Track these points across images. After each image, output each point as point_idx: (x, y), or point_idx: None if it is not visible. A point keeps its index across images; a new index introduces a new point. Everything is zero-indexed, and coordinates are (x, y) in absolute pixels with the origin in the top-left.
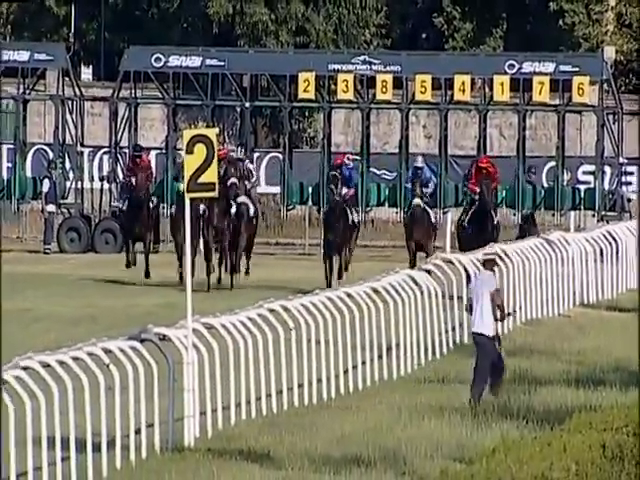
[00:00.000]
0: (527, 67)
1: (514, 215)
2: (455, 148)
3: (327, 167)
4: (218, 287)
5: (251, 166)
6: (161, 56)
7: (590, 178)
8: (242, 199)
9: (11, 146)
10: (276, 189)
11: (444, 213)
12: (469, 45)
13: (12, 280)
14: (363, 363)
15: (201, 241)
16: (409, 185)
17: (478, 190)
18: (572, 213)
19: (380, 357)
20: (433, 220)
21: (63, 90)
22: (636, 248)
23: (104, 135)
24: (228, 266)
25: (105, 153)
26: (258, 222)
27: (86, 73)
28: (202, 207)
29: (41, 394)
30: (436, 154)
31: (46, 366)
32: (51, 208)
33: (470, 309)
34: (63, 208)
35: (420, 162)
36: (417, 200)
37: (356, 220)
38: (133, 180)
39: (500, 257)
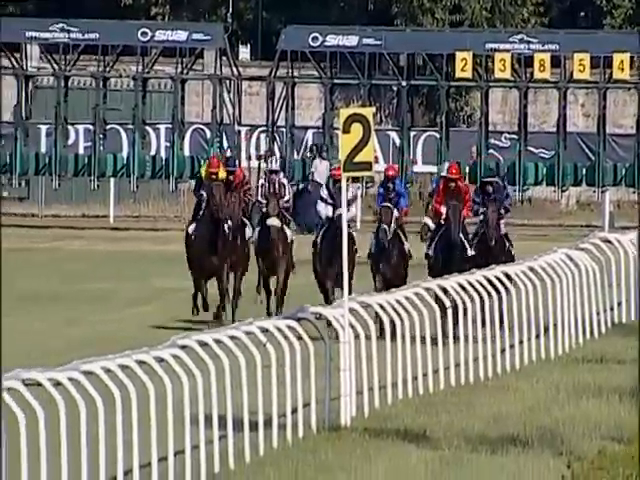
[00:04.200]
0: None
1: None
2: (614, 127)
3: (484, 146)
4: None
5: (285, 181)
6: (318, 35)
7: None
8: (272, 221)
9: (169, 126)
10: (433, 168)
11: (602, 192)
12: (628, 23)
13: (167, 259)
14: (520, 342)
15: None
16: (378, 205)
17: (444, 213)
18: None
19: (537, 336)
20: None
21: (221, 70)
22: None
23: (261, 114)
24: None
25: (262, 132)
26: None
27: (244, 52)
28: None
29: (198, 373)
30: (594, 133)
31: (204, 345)
32: None
33: None
34: None
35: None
36: (384, 227)
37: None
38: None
39: None
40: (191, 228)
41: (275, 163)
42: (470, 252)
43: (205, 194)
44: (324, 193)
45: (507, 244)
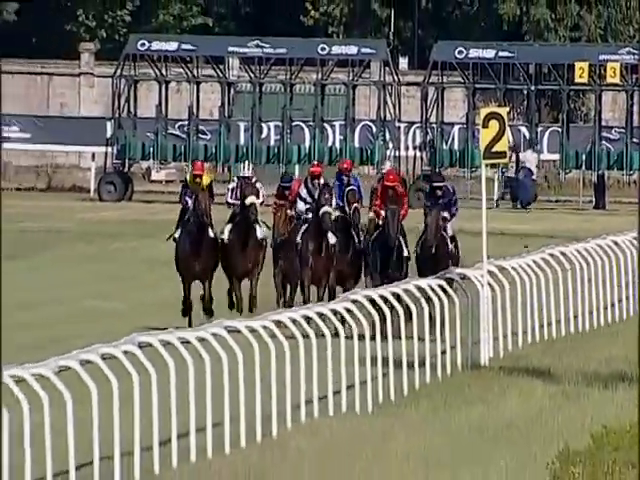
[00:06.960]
0: None
1: None
2: None
3: (597, 139)
4: None
5: (259, 185)
6: (463, 49)
7: None
8: (251, 199)
9: (343, 122)
10: (556, 156)
11: None
12: None
13: None
14: (627, 298)
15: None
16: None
17: (383, 215)
18: None
19: None
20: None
21: (384, 77)
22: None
23: (417, 113)
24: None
25: (417, 128)
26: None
27: (403, 63)
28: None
29: (365, 323)
30: None
31: (371, 301)
32: None
33: None
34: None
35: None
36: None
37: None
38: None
39: None
40: (177, 234)
41: (247, 170)
42: (406, 253)
43: (190, 201)
44: (303, 192)
45: (452, 247)
